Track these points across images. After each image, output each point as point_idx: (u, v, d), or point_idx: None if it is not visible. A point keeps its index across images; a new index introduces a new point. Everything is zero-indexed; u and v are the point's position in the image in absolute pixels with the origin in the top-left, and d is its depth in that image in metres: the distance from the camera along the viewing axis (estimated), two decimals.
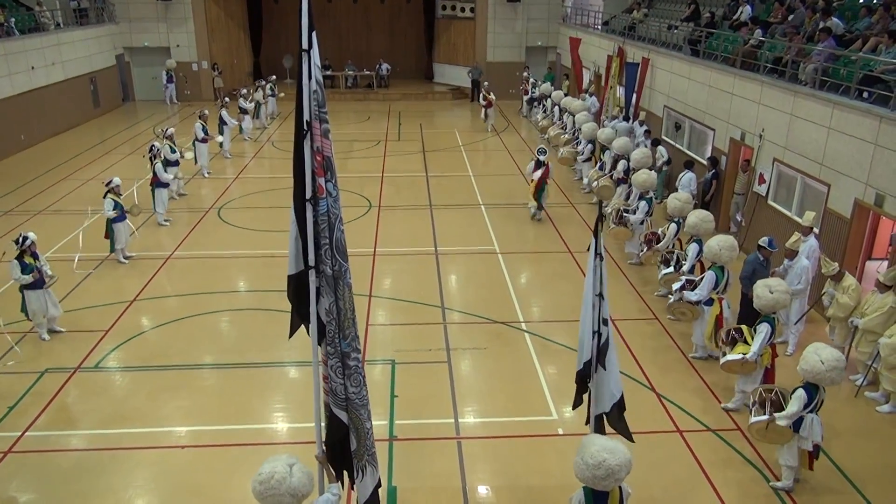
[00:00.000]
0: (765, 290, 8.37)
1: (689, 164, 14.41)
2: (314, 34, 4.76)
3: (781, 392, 7.45)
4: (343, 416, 5.50)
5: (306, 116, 4.86)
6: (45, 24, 24.36)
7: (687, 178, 15.07)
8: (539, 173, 15.71)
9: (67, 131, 24.65)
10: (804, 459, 7.35)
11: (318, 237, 5.03)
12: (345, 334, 5.27)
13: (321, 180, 4.93)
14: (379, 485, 5.85)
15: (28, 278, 10.06)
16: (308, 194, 4.96)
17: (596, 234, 5.96)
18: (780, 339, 10.45)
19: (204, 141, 18.88)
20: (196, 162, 18.99)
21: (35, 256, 10.28)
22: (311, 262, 5.09)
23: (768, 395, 7.45)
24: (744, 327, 8.76)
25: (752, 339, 8.47)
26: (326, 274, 5.12)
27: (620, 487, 5.66)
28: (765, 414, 7.30)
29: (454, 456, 8.06)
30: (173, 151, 16.42)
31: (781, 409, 7.27)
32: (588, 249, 6.08)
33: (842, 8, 14.07)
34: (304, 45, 4.74)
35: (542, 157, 15.81)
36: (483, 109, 25.42)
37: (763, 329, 8.31)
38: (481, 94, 25.35)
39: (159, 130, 17.45)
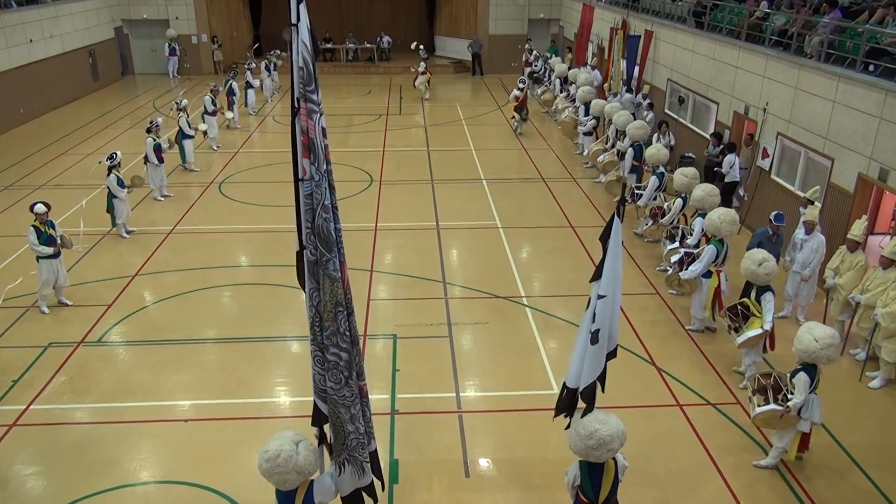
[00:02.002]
0: (751, 264, 8.42)
1: (732, 147, 14.06)
2: (303, 6, 4.56)
3: (778, 376, 7.40)
4: (322, 406, 5.39)
5: (296, 94, 4.70)
6: None
7: (727, 162, 14.05)
8: (519, 95, 20.42)
9: (66, 105, 24.50)
10: (796, 440, 7.30)
11: (304, 220, 4.90)
12: (324, 326, 5.07)
13: (305, 162, 4.74)
14: (367, 491, 5.70)
15: (48, 249, 10.21)
16: (301, 174, 4.83)
17: (620, 216, 5.68)
18: (781, 314, 10.47)
19: (213, 114, 18.88)
20: (206, 136, 18.99)
21: (52, 226, 10.40)
22: (304, 242, 4.99)
23: (766, 380, 7.37)
24: (748, 301, 8.71)
25: (758, 310, 8.49)
26: (308, 259, 4.97)
27: (616, 460, 5.70)
28: (766, 401, 7.20)
29: (455, 429, 8.13)
30: (189, 125, 16.78)
31: (779, 391, 7.22)
32: (606, 237, 5.65)
33: None
34: (293, 19, 4.57)
35: (521, 86, 20.60)
36: (417, 77, 25.63)
37: (769, 298, 8.41)
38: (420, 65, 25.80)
39: (174, 103, 17.38)
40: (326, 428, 5.58)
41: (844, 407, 8.53)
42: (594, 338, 5.65)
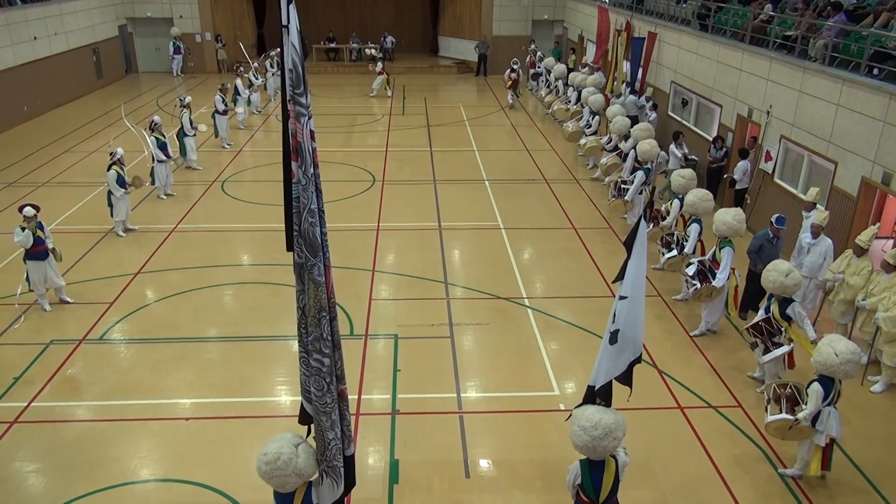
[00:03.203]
0: (778, 276, 8.26)
1: (744, 153, 13.80)
2: (293, 8, 4.52)
3: (796, 386, 7.26)
4: (308, 408, 5.37)
5: (288, 96, 4.69)
6: None
7: (740, 168, 13.88)
8: (513, 76, 24.65)
9: (70, 102, 24.53)
10: (817, 455, 7.10)
11: (293, 222, 4.89)
12: (308, 330, 5.07)
13: (294, 165, 4.73)
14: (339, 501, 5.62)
15: (26, 239, 10.07)
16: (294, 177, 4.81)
17: (646, 218, 5.69)
18: None
19: (224, 113, 18.90)
20: (216, 135, 19.02)
21: (41, 228, 10.32)
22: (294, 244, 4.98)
23: (782, 390, 7.24)
24: (771, 317, 8.46)
25: (785, 325, 8.36)
26: (296, 261, 4.97)
27: (616, 459, 5.69)
28: (780, 410, 7.09)
29: (456, 430, 8.12)
30: (192, 124, 16.84)
31: (797, 403, 7.09)
32: (631, 241, 5.62)
33: None
34: (283, 21, 4.52)
35: (515, 66, 24.94)
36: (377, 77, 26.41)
37: (800, 308, 8.31)
38: (378, 64, 26.64)
39: (178, 100, 17.37)
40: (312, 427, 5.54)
41: (847, 412, 8.46)
42: (613, 337, 5.73)
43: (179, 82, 28.73)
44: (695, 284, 9.90)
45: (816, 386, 6.86)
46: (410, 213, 14.80)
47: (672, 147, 15.42)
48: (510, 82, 24.78)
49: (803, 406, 7.01)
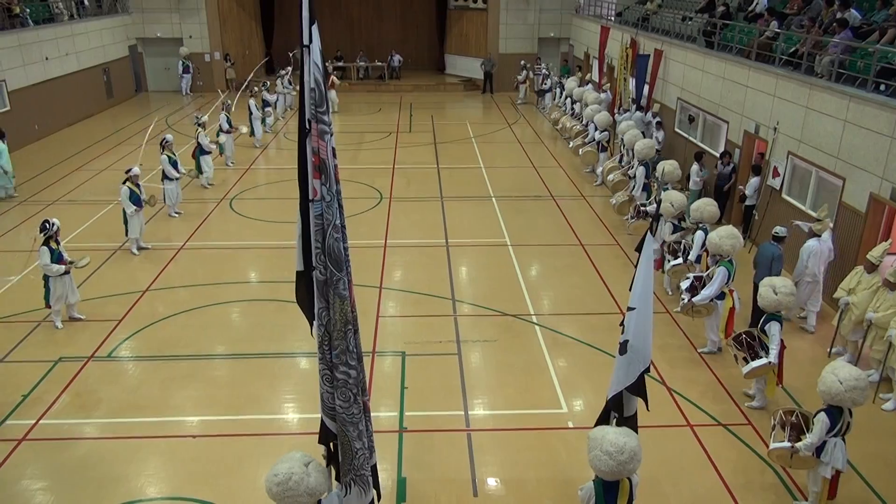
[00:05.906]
0: (769, 291, 8.27)
1: (757, 169, 13.74)
2: (315, 28, 4.61)
3: (803, 414, 7.09)
4: (331, 424, 5.42)
5: (307, 115, 4.77)
6: (59, 15, 24.47)
7: (752, 185, 13.85)
8: (523, 76, 29.05)
9: (81, 121, 24.78)
10: (825, 486, 6.87)
11: (314, 240, 4.96)
12: (333, 344, 5.13)
13: (316, 183, 4.81)
14: None
15: (60, 268, 10.21)
16: (311, 195, 4.89)
17: (652, 232, 5.81)
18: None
19: (228, 132, 19.02)
20: (221, 152, 19.15)
21: (56, 242, 10.41)
22: (314, 262, 5.05)
23: (789, 417, 7.08)
24: (754, 331, 8.58)
25: (767, 340, 8.37)
26: (318, 279, 5.04)
27: (630, 479, 5.65)
28: (786, 437, 6.92)
29: (464, 448, 8.08)
30: (208, 140, 17.08)
31: (802, 432, 6.90)
32: (637, 249, 5.82)
33: None
34: (305, 41, 4.62)
35: (523, 64, 29.24)
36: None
37: (775, 330, 8.25)
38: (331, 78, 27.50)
39: (194, 119, 17.49)
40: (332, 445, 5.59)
41: (858, 431, 8.33)
42: (622, 348, 5.80)
43: (188, 101, 28.99)
44: (683, 299, 9.98)
45: (822, 416, 6.60)
46: (417, 229, 14.83)
47: (695, 167, 15.32)
48: (518, 81, 29.01)
49: (808, 435, 6.80)
